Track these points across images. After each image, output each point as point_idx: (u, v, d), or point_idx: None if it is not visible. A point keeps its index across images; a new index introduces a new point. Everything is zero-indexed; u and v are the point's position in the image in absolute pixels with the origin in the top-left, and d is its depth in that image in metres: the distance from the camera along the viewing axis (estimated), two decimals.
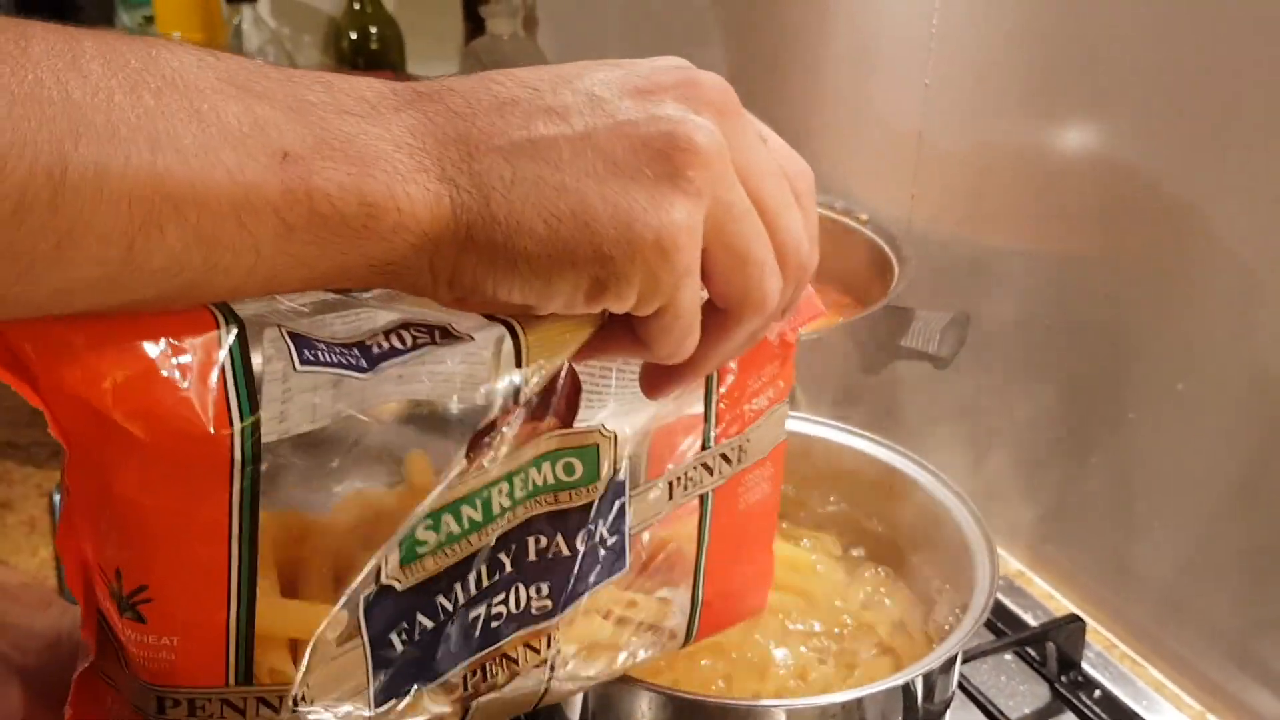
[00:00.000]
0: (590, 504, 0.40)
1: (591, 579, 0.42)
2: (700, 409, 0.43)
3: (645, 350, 0.35)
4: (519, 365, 0.34)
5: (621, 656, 0.45)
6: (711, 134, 0.32)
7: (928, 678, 0.50)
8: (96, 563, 0.32)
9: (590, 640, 0.43)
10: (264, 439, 0.31)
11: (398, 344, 0.33)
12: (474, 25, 1.39)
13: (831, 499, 0.63)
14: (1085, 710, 0.66)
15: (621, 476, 0.41)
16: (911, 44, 0.80)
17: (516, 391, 0.35)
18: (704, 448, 0.44)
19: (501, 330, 0.34)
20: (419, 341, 0.34)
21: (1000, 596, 0.76)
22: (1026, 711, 0.67)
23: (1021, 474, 0.80)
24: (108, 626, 0.34)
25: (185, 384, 0.30)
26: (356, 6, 1.29)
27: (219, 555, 0.32)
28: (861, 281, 0.84)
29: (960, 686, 0.66)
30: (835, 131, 0.93)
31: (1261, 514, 0.64)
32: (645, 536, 0.44)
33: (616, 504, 0.41)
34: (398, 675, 0.37)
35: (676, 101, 0.33)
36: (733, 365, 0.44)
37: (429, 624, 0.37)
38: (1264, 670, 0.65)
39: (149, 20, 1.49)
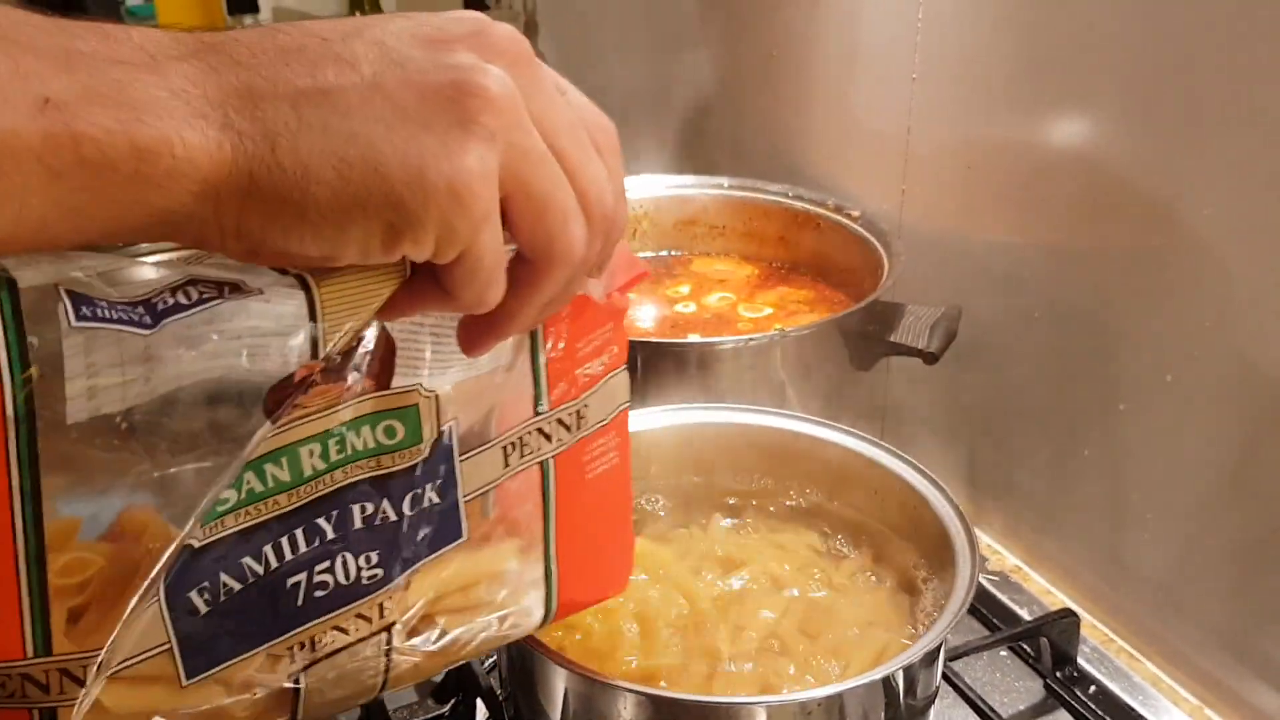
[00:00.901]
0: (414, 466, 0.39)
1: (424, 546, 0.41)
2: (529, 375, 0.43)
3: (451, 300, 0.35)
4: (313, 319, 0.34)
5: (472, 632, 0.44)
6: (503, 80, 0.32)
7: (908, 671, 0.50)
8: None
9: (428, 610, 0.42)
10: (39, 395, 0.30)
11: (183, 299, 0.33)
12: None
13: (809, 491, 0.63)
14: (1078, 706, 0.65)
15: (448, 440, 0.40)
16: (898, 41, 0.80)
17: (314, 345, 0.34)
18: (536, 413, 0.44)
19: (293, 282, 0.34)
20: (205, 296, 0.33)
21: (996, 592, 0.75)
22: (1019, 709, 0.66)
23: (1015, 469, 0.79)
24: None
25: None
26: (357, 13, 1.29)
27: (2, 518, 0.31)
28: (853, 277, 0.84)
29: (951, 683, 0.65)
30: (826, 129, 0.93)
31: (1253, 505, 0.63)
32: (488, 506, 0.43)
33: (443, 468, 0.41)
34: (209, 643, 0.36)
35: (468, 50, 0.32)
36: (563, 332, 0.43)
37: (235, 585, 0.36)
38: (1262, 663, 0.65)
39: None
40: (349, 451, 0.37)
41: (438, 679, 0.66)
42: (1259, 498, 0.63)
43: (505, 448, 0.43)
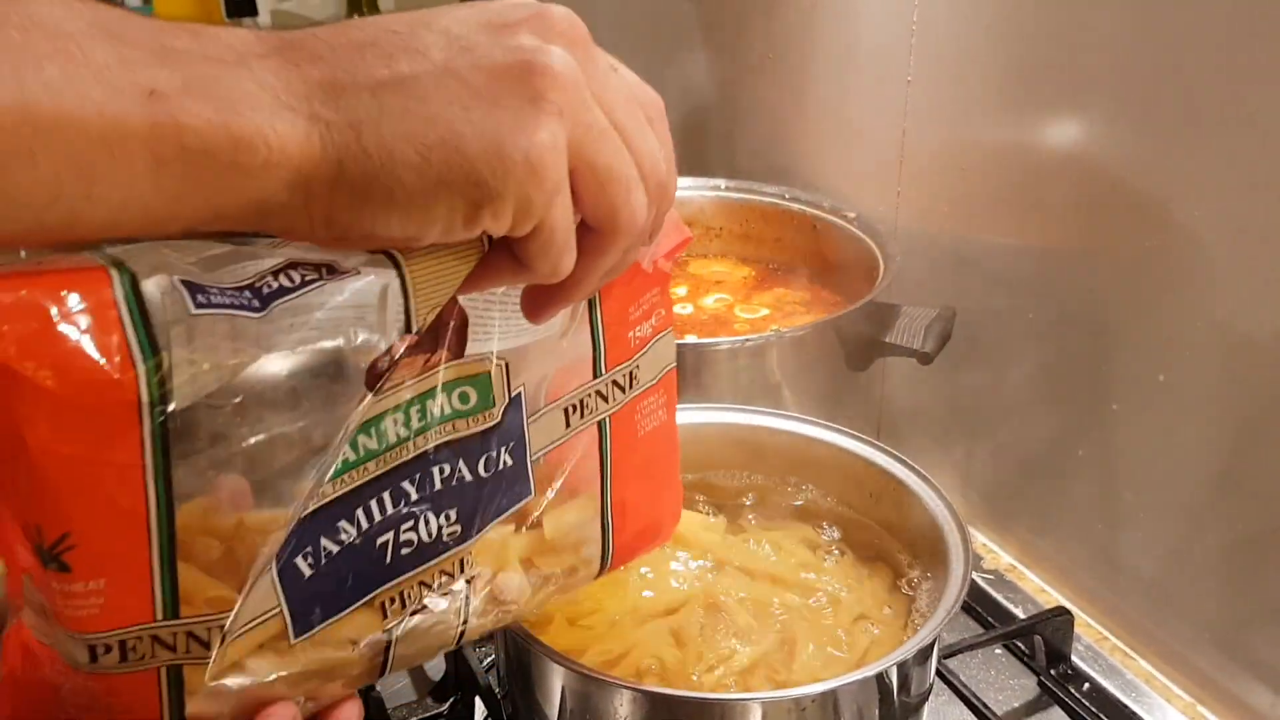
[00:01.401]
0: (489, 430, 0.42)
1: (498, 503, 0.44)
2: (588, 340, 0.46)
3: (527, 272, 0.37)
4: (405, 295, 0.36)
5: (541, 582, 0.47)
6: (565, 59, 0.34)
7: (902, 668, 0.50)
8: (18, 521, 0.34)
9: (499, 565, 0.45)
10: (169, 381, 0.32)
11: (286, 283, 0.35)
12: None
13: (804, 489, 0.64)
14: (1071, 704, 0.66)
15: (518, 404, 0.43)
16: (893, 44, 0.81)
17: (408, 321, 0.36)
18: (595, 375, 0.46)
19: (385, 261, 0.36)
20: (307, 279, 0.35)
21: (991, 591, 0.76)
22: (1014, 706, 0.67)
23: (1010, 468, 0.80)
24: (34, 586, 0.35)
25: (86, 332, 0.31)
26: (355, 14, 1.30)
27: (136, 494, 0.33)
28: (849, 279, 0.85)
29: (946, 681, 0.66)
30: (822, 131, 0.93)
31: (1244, 504, 0.64)
32: (552, 465, 0.46)
33: (514, 429, 0.43)
34: (313, 603, 0.38)
35: (529, 33, 0.34)
36: (617, 297, 0.46)
37: (334, 548, 0.39)
38: (1254, 661, 0.65)
39: None
40: (429, 418, 0.40)
41: (436, 678, 0.67)
42: (1250, 497, 0.63)
43: (567, 410, 0.46)
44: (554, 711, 0.52)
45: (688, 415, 0.65)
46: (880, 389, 0.87)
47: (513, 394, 0.43)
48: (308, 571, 0.38)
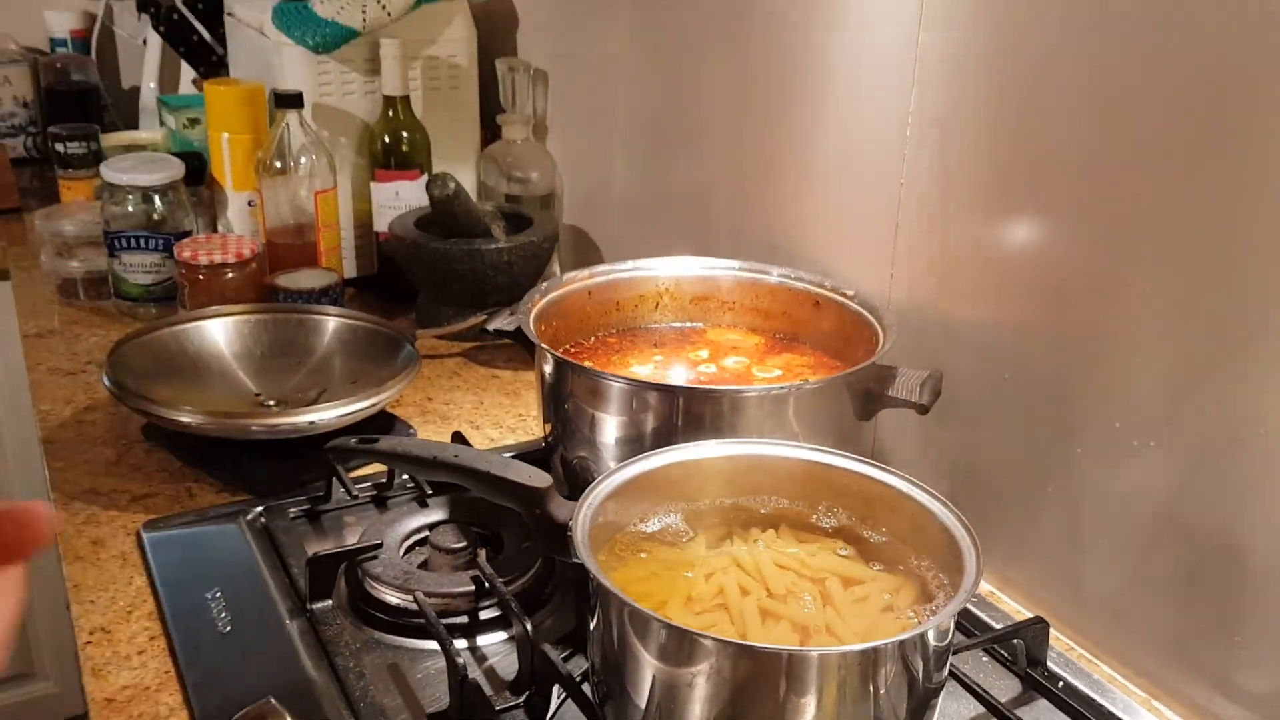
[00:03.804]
0: None
1: None
2: None
3: None
4: None
5: None
6: None
7: (939, 630, 0.63)
8: None
9: None
10: None
11: None
12: (491, 132, 1.55)
13: (835, 512, 0.77)
14: (1052, 696, 0.79)
15: None
16: (888, 149, 0.97)
17: None
18: None
19: None
20: None
21: (975, 610, 0.89)
22: (1005, 699, 0.80)
23: (988, 505, 0.94)
24: None
25: None
26: (390, 113, 1.44)
27: None
28: (848, 346, 0.99)
29: (954, 676, 0.79)
30: (822, 221, 1.09)
31: (1186, 535, 0.78)
32: None
33: None
34: None
35: None
36: None
37: None
38: (1196, 664, 0.79)
39: (194, 123, 1.63)
40: None
41: (509, 676, 0.77)
42: (1191, 529, 0.78)
43: None
44: (646, 683, 0.64)
45: (736, 448, 0.78)
46: (874, 435, 1.01)
47: None
48: None
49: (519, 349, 1.33)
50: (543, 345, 0.90)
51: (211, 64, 1.85)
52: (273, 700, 0.71)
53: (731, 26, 1.16)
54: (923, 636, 0.62)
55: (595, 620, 0.68)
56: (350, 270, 1.51)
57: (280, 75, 1.42)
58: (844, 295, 1.01)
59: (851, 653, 0.61)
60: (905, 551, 0.74)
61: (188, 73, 1.95)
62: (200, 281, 1.32)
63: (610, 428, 0.87)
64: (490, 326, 1.00)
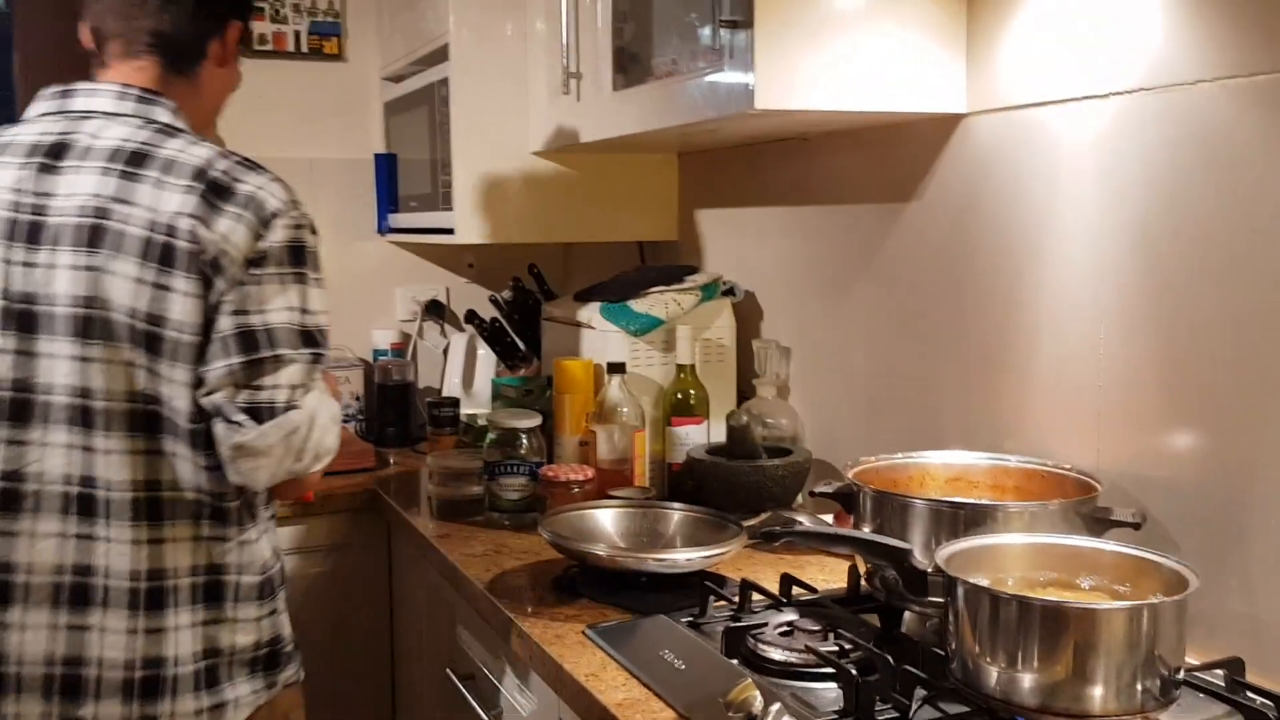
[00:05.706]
0: None
1: None
2: None
3: None
4: None
5: None
6: None
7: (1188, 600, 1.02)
8: None
9: None
10: None
11: None
12: (747, 391, 2.07)
13: (1093, 576, 1.17)
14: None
15: None
16: (1085, 366, 1.44)
17: None
18: None
19: None
20: None
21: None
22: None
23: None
24: None
25: None
26: (681, 376, 1.97)
27: None
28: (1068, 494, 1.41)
29: None
30: (1038, 419, 1.54)
31: None
32: None
33: None
34: None
35: None
36: None
37: None
38: None
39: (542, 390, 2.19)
40: None
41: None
42: None
43: None
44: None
45: (1026, 538, 1.20)
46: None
47: None
48: None
49: (783, 546, 1.76)
50: (868, 487, 1.35)
51: (517, 358, 2.46)
52: (751, 678, 1.11)
53: (958, 287, 1.67)
54: (1179, 603, 1.01)
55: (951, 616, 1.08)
56: None
57: (604, 354, 1.99)
58: (1060, 469, 1.44)
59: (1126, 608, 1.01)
60: (1144, 593, 1.13)
61: (482, 372, 2.58)
62: (557, 494, 1.81)
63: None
64: (815, 490, 1.45)
